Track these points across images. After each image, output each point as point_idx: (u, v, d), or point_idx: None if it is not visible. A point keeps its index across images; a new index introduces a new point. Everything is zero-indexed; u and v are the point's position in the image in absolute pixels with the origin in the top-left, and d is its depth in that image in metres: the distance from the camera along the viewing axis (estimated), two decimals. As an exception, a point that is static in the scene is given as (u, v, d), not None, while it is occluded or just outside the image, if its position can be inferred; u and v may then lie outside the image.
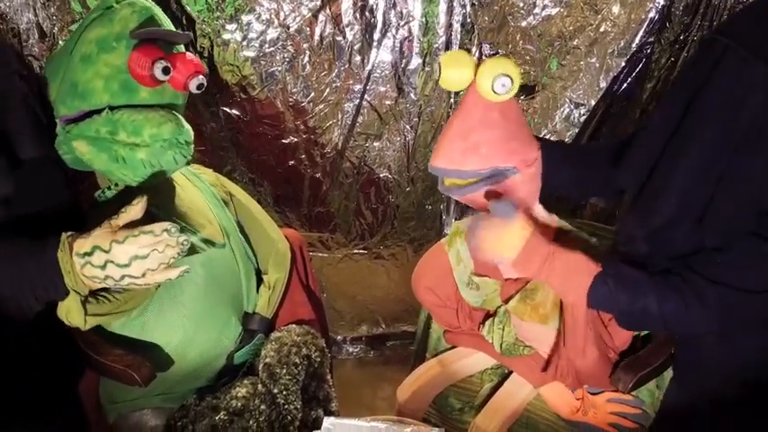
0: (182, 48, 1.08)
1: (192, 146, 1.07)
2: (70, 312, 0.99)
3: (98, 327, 1.17)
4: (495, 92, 0.98)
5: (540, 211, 1.17)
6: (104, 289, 1.06)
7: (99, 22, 1.01)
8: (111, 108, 1.01)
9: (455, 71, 1.00)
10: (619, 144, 1.20)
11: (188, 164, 1.41)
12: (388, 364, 2.42)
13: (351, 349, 2.46)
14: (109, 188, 1.14)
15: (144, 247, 0.90)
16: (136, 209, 0.93)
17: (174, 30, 1.08)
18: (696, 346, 1.13)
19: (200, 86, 1.06)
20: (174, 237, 0.93)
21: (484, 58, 1.88)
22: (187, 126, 1.05)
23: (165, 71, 0.99)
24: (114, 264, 0.90)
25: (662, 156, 0.96)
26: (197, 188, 1.33)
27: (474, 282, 1.32)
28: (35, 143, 1.03)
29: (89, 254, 0.90)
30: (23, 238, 0.95)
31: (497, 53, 1.87)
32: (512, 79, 0.98)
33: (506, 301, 1.28)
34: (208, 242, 1.24)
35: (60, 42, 1.57)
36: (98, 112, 1.01)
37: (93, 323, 1.03)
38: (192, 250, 1.21)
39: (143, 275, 0.92)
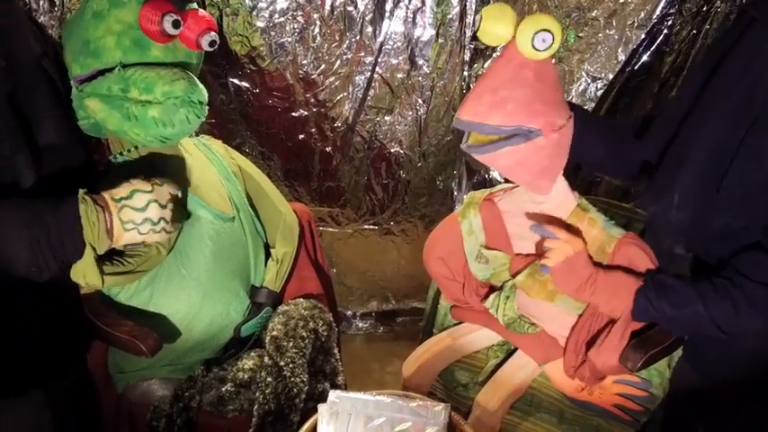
0: (194, 5, 1.06)
1: (206, 107, 1.06)
2: (87, 272, 0.99)
3: (107, 297, 1.19)
4: (534, 48, 0.96)
5: (562, 185, 1.14)
6: (118, 253, 1.08)
7: None
8: (124, 66, 0.99)
9: (496, 25, 0.97)
10: (648, 116, 1.18)
11: (197, 134, 1.41)
12: (397, 340, 2.42)
13: (360, 324, 2.46)
14: (121, 153, 1.13)
15: (173, 194, 1.01)
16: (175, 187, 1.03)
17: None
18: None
19: (212, 43, 1.04)
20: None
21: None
22: (201, 85, 1.03)
23: (175, 25, 0.97)
24: (158, 203, 0.97)
25: (682, 126, 0.94)
26: (208, 160, 1.32)
27: (483, 255, 1.30)
28: (60, 127, 1.02)
29: (127, 197, 0.95)
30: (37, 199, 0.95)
31: (513, 25, 1.82)
32: (553, 36, 0.95)
33: (514, 277, 1.26)
34: (217, 215, 1.24)
35: (69, 12, 1.56)
36: (110, 70, 1.00)
37: (110, 283, 1.05)
38: (203, 222, 1.22)
39: (169, 221, 1.01)
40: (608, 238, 1.13)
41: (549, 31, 0.95)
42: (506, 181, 1.47)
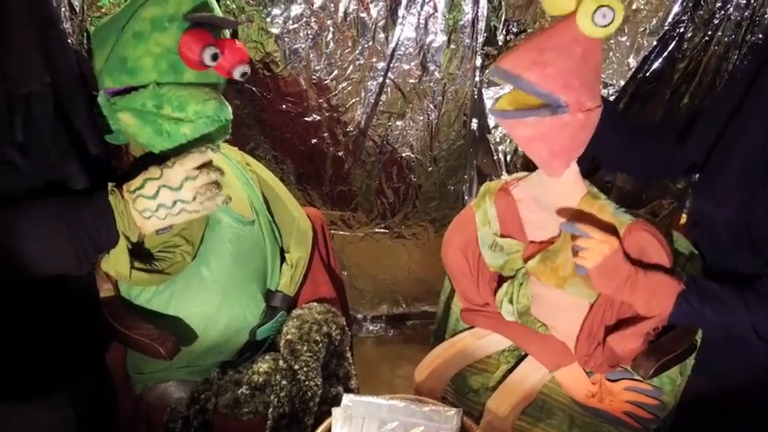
0: (227, 32, 1.10)
1: (230, 126, 1.11)
2: (119, 261, 1.04)
3: (125, 300, 1.21)
4: (594, 22, 0.96)
5: (574, 171, 1.15)
6: (146, 257, 1.12)
7: (154, 1, 1.03)
8: (158, 83, 1.03)
9: None
10: (680, 120, 1.19)
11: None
12: (407, 343, 2.43)
13: (371, 327, 2.47)
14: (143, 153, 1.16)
15: (193, 169, 1.00)
16: (205, 154, 1.01)
17: (224, 16, 1.10)
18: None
19: (243, 74, 1.07)
20: (219, 153, 1.03)
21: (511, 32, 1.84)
22: (228, 105, 1.07)
23: (214, 57, 1.01)
24: (167, 187, 0.98)
25: (730, 121, 0.95)
26: (226, 164, 1.34)
27: (498, 243, 1.31)
28: (95, 136, 1.06)
29: (140, 187, 0.99)
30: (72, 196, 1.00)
31: (525, 31, 1.84)
32: (614, 14, 0.96)
33: (527, 262, 1.27)
34: (238, 219, 1.26)
35: (89, 19, 1.59)
36: (144, 86, 1.04)
37: (136, 278, 1.09)
38: (224, 226, 1.25)
39: (194, 199, 1.00)
40: (618, 225, 1.13)
41: (611, 8, 0.95)
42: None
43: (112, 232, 0.99)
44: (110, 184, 0.99)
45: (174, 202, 1.00)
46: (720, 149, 1.01)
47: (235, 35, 1.69)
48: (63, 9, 1.58)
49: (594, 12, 0.95)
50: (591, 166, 1.56)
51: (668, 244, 1.14)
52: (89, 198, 0.98)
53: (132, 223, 1.00)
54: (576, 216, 1.16)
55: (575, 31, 0.99)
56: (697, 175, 1.17)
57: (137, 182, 1.00)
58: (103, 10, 1.60)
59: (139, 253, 1.13)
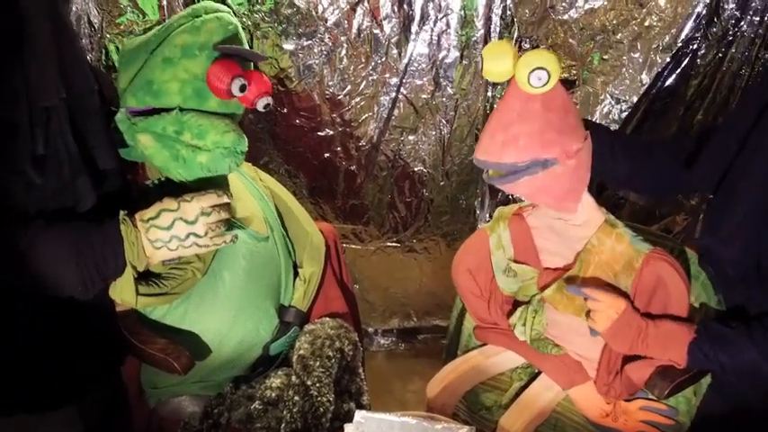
0: (251, 65, 1.13)
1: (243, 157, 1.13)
2: (124, 290, 1.05)
3: (141, 315, 1.22)
4: (531, 85, 0.98)
5: (588, 202, 1.15)
6: (155, 275, 1.12)
7: (187, 29, 1.05)
8: (181, 109, 1.05)
9: (496, 63, 0.99)
10: (688, 141, 1.20)
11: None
12: (418, 358, 2.42)
13: (382, 341, 2.47)
14: (159, 180, 1.17)
15: (208, 206, 1.03)
16: (221, 197, 1.06)
17: (252, 49, 1.12)
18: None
19: (266, 106, 1.10)
20: (231, 199, 1.07)
21: (524, 49, 1.85)
22: (245, 137, 1.09)
23: (242, 89, 1.03)
24: (183, 220, 1.01)
25: (737, 157, 0.95)
26: (241, 181, 1.36)
27: (512, 269, 1.31)
28: (110, 153, 1.08)
29: (154, 218, 1.00)
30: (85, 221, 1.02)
31: (537, 46, 1.84)
32: (548, 73, 0.97)
33: (542, 291, 1.27)
34: (252, 235, 1.27)
35: (107, 36, 1.62)
36: (166, 110, 1.06)
37: (143, 304, 1.09)
38: (239, 242, 1.24)
39: (205, 234, 1.03)
40: (636, 254, 1.14)
41: (543, 68, 0.97)
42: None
43: (120, 261, 1.00)
44: (121, 213, 1.00)
45: (188, 235, 1.02)
46: (726, 186, 1.01)
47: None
48: (82, 25, 1.61)
49: (529, 77, 0.97)
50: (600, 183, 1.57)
51: (684, 270, 1.14)
52: (100, 225, 0.99)
53: (142, 253, 1.01)
54: (584, 281, 1.17)
55: (523, 92, 1.01)
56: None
57: (151, 212, 1.01)
58: (122, 27, 1.63)
59: (148, 272, 1.11)
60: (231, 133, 1.05)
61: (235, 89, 1.02)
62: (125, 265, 1.00)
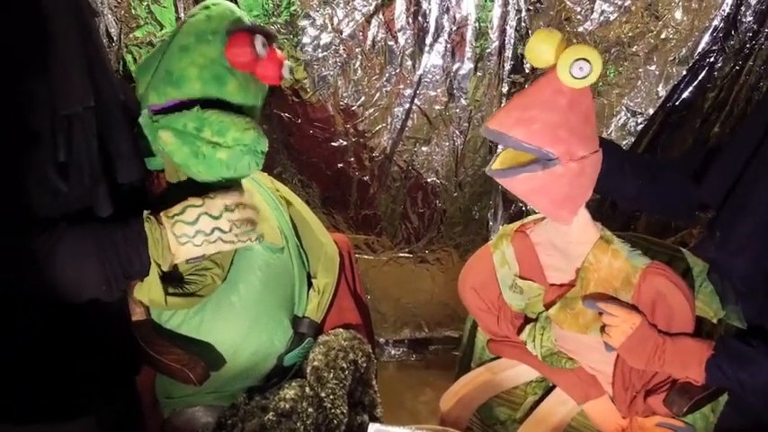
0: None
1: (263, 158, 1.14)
2: (151, 289, 1.05)
3: (156, 324, 1.23)
4: (572, 75, 0.97)
5: (583, 216, 1.15)
6: (177, 280, 1.13)
7: (197, 19, 1.08)
8: (202, 106, 1.06)
9: (542, 46, 1.00)
10: (697, 157, 1.19)
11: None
12: (429, 369, 2.41)
13: (393, 352, 2.46)
14: (177, 184, 1.18)
15: (232, 203, 1.04)
16: (237, 194, 1.06)
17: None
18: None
19: (291, 71, 1.13)
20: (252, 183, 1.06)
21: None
22: (265, 137, 1.10)
23: (264, 45, 1.05)
24: (207, 215, 1.01)
25: (746, 169, 0.94)
26: (257, 191, 1.36)
27: (518, 285, 1.30)
28: (134, 162, 1.09)
29: (180, 213, 1.01)
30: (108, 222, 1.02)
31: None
32: (591, 66, 0.97)
33: (548, 307, 1.26)
34: (268, 246, 1.28)
35: (125, 47, 1.64)
36: (187, 106, 1.06)
37: (172, 304, 1.10)
38: (254, 253, 1.26)
39: (230, 230, 1.03)
40: (633, 269, 1.13)
41: (587, 60, 0.97)
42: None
43: (144, 259, 1.00)
44: (145, 212, 1.01)
45: (213, 230, 1.02)
46: (734, 199, 1.00)
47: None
48: (101, 37, 1.63)
49: (572, 65, 0.97)
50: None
51: (687, 281, 1.14)
52: (123, 224, 1.00)
53: (166, 250, 1.01)
54: (600, 296, 1.16)
55: (557, 84, 1.00)
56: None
57: (176, 209, 1.02)
58: (140, 39, 1.65)
59: (170, 277, 1.13)
60: (251, 131, 1.05)
61: (259, 47, 1.03)
62: (149, 263, 1.01)
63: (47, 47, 0.91)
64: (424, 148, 2.00)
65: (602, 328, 1.13)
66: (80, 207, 1.00)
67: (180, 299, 1.13)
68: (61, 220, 0.97)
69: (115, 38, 1.63)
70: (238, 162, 1.06)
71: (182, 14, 1.66)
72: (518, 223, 1.32)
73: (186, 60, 1.05)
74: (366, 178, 2.04)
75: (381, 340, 2.42)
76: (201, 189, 1.10)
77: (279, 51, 1.10)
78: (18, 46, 0.88)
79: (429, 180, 2.06)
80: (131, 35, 1.63)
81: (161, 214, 1.02)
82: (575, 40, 1.81)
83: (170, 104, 1.09)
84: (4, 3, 0.86)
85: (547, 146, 1.02)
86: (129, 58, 1.65)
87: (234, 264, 1.22)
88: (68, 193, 0.97)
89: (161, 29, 1.67)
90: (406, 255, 2.22)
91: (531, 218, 1.31)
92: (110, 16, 1.60)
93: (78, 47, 0.96)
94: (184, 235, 1.01)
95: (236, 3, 1.68)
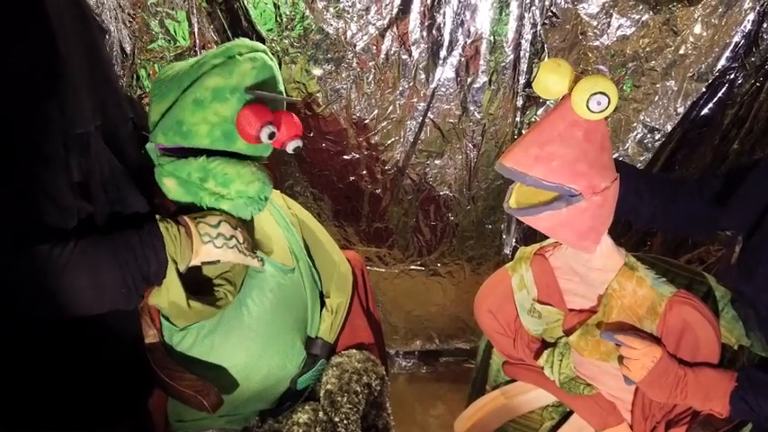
0: (284, 105, 1.12)
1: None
2: (171, 290, 1.03)
3: (168, 347, 1.21)
4: (589, 109, 0.95)
5: (607, 244, 1.13)
6: (192, 292, 1.09)
7: (219, 70, 1.04)
8: (208, 156, 1.05)
9: (553, 78, 0.98)
10: (718, 177, 1.17)
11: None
12: (440, 381, 2.40)
13: (403, 363, 2.45)
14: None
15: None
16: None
17: (285, 93, 1.13)
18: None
19: (296, 149, 1.09)
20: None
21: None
22: (270, 184, 1.10)
23: (270, 136, 1.02)
24: (227, 223, 1.06)
25: (766, 211, 0.92)
26: (268, 211, 1.35)
27: (536, 309, 1.28)
28: (142, 180, 1.08)
29: (202, 217, 1.04)
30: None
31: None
32: (609, 99, 0.95)
33: (567, 333, 1.24)
34: (279, 268, 1.26)
35: (138, 62, 1.63)
36: (193, 153, 1.06)
37: (194, 307, 1.08)
38: (265, 275, 1.25)
39: (243, 241, 1.08)
40: (658, 297, 1.11)
41: (605, 94, 0.94)
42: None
43: (161, 257, 0.99)
44: (158, 216, 1.01)
45: (231, 236, 1.05)
46: (763, 229, 0.97)
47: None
48: (114, 52, 1.63)
49: (588, 99, 0.94)
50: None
51: (711, 308, 1.11)
52: (139, 228, 0.99)
53: (186, 247, 1.01)
54: (619, 327, 1.14)
55: (572, 115, 0.98)
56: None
57: (197, 214, 1.05)
58: (154, 53, 1.64)
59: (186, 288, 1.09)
60: (256, 183, 1.05)
61: (264, 136, 1.01)
62: (166, 261, 1.00)
63: (57, 68, 0.90)
64: (437, 162, 1.99)
65: (622, 360, 1.11)
66: (94, 225, 0.99)
67: (200, 304, 1.10)
68: (82, 235, 0.96)
69: (129, 53, 1.62)
70: (240, 212, 1.08)
71: (195, 29, 1.65)
72: (537, 246, 1.30)
73: (199, 116, 1.04)
74: (378, 191, 2.02)
75: (392, 351, 2.41)
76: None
77: (295, 122, 1.07)
78: (28, 68, 0.88)
79: (441, 193, 2.04)
80: (146, 49, 1.62)
81: (182, 216, 1.03)
82: (590, 55, 1.79)
83: (177, 147, 1.08)
84: (14, 26, 0.85)
85: (568, 182, 1.00)
86: (142, 72, 1.64)
87: (245, 285, 1.21)
88: (82, 212, 0.96)
89: (174, 43, 1.66)
90: (418, 267, 2.21)
91: (549, 240, 1.29)
92: (124, 31, 1.60)
93: (87, 66, 0.95)
94: (207, 234, 1.03)
95: (249, 17, 1.67)
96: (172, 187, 1.07)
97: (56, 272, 0.93)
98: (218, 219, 1.05)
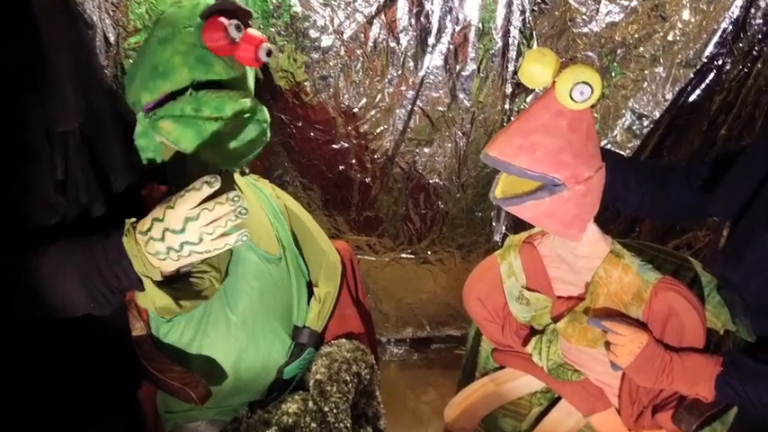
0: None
1: (269, 128, 1.13)
2: (155, 299, 0.98)
3: (155, 339, 1.21)
4: (572, 99, 0.95)
5: (593, 231, 1.13)
6: (175, 282, 1.05)
7: (171, 11, 1.10)
8: (194, 88, 1.06)
9: (537, 67, 0.97)
10: (706, 163, 1.17)
11: (246, 173, 1.44)
12: (432, 368, 2.41)
13: (395, 350, 2.46)
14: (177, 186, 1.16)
15: (193, 208, 0.86)
16: (200, 190, 0.86)
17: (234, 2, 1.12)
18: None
19: (269, 53, 1.10)
20: (216, 187, 0.86)
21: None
22: (263, 106, 1.10)
23: (238, 28, 1.04)
24: (170, 231, 0.87)
25: (762, 185, 0.92)
26: (257, 199, 1.35)
27: (524, 296, 1.29)
28: (128, 175, 1.08)
29: (149, 229, 0.89)
30: (92, 235, 0.97)
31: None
32: (592, 89, 0.95)
33: (555, 320, 1.25)
34: (264, 257, 1.26)
35: (122, 52, 1.61)
36: (181, 93, 1.06)
37: (186, 306, 1.03)
38: (249, 263, 1.24)
39: (200, 241, 0.88)
40: (644, 284, 1.11)
41: (588, 84, 0.94)
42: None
43: (131, 275, 0.93)
44: (127, 222, 0.92)
45: (181, 245, 0.88)
46: (751, 216, 0.97)
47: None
48: (98, 42, 1.60)
49: (572, 89, 0.94)
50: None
51: (697, 294, 1.12)
52: (105, 241, 0.93)
53: (149, 264, 0.92)
54: (606, 312, 1.14)
55: (557, 105, 0.98)
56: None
57: (147, 222, 0.90)
58: (138, 43, 1.62)
59: (170, 279, 1.05)
60: (248, 100, 1.06)
61: (232, 31, 1.03)
62: (137, 277, 0.94)
63: (41, 65, 0.89)
64: (426, 150, 1.98)
65: (608, 346, 1.12)
66: (77, 222, 0.98)
67: (189, 301, 1.07)
68: (57, 235, 0.95)
69: (113, 43, 1.60)
70: (245, 132, 1.07)
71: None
72: (525, 234, 1.31)
73: (169, 50, 1.06)
74: (368, 180, 2.02)
75: (383, 339, 2.42)
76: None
77: (257, 32, 1.10)
78: (12, 65, 0.87)
79: (431, 181, 2.04)
80: (130, 40, 1.60)
81: (137, 227, 0.92)
82: (579, 42, 1.78)
83: (163, 98, 1.08)
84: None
85: (551, 172, 1.00)
86: (127, 63, 1.62)
87: (230, 275, 1.21)
88: (66, 209, 0.95)
89: (159, 32, 1.63)
90: (409, 256, 2.21)
91: (538, 228, 1.30)
92: (107, 20, 1.57)
93: (71, 62, 0.94)
94: (159, 252, 0.90)
95: (234, 4, 1.65)
96: (169, 127, 1.06)
97: (28, 278, 0.91)
98: (162, 228, 0.88)
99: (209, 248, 0.90)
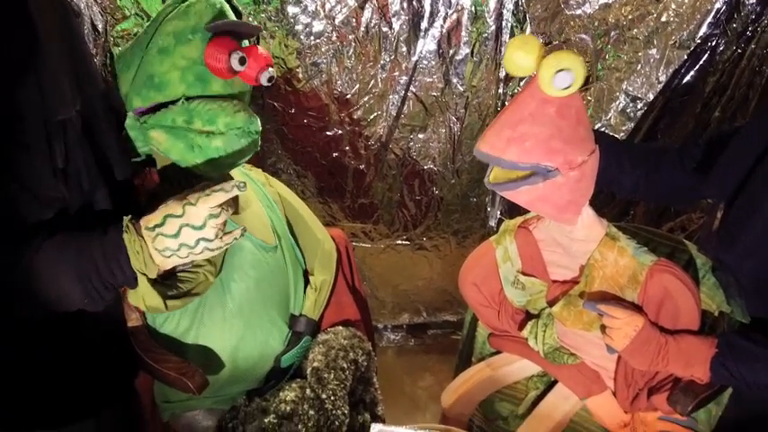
0: (250, 40, 1.11)
1: (260, 139, 1.10)
2: (145, 296, 0.99)
3: (152, 329, 1.21)
4: (554, 86, 0.94)
5: (588, 215, 1.13)
6: (168, 278, 1.07)
7: (175, 15, 1.03)
8: (187, 98, 1.03)
9: (520, 55, 0.95)
10: (700, 145, 1.17)
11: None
12: (428, 353, 2.43)
13: (392, 337, 2.47)
14: (168, 182, 1.15)
15: (216, 206, 0.91)
16: (230, 192, 0.92)
17: (244, 22, 1.08)
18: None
19: (270, 79, 1.07)
20: (244, 191, 0.93)
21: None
22: (256, 117, 1.07)
23: (242, 62, 1.00)
24: (190, 226, 0.90)
25: (756, 166, 0.92)
26: (251, 188, 1.34)
27: (520, 281, 1.29)
28: (124, 162, 1.06)
29: (160, 225, 0.90)
30: (87, 231, 0.96)
31: (550, 43, 1.80)
32: (574, 76, 0.93)
33: (551, 304, 1.25)
34: (260, 245, 1.25)
35: (111, 40, 1.58)
36: (173, 102, 1.04)
37: (173, 306, 1.04)
38: (246, 253, 1.23)
39: (215, 236, 0.93)
40: (639, 266, 1.12)
41: (570, 70, 0.93)
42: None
43: (128, 272, 0.93)
44: (125, 219, 0.93)
45: (197, 242, 0.92)
46: (745, 198, 0.97)
47: (256, 41, 1.68)
48: (86, 29, 1.58)
49: (554, 77, 0.93)
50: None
51: (692, 276, 1.12)
52: (103, 236, 0.93)
53: (149, 261, 0.93)
54: (602, 296, 1.14)
55: (541, 92, 0.97)
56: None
57: (157, 218, 0.91)
58: (126, 31, 1.59)
59: (162, 276, 1.07)
60: (241, 113, 1.02)
61: (234, 63, 0.99)
62: (133, 274, 0.95)
63: (36, 53, 0.88)
64: (420, 136, 1.97)
65: (604, 329, 1.12)
66: (78, 212, 0.97)
67: (178, 300, 1.08)
68: (59, 224, 0.93)
69: (101, 31, 1.58)
70: (235, 146, 1.04)
71: (168, 4, 1.60)
72: (521, 219, 1.30)
73: (167, 64, 1.01)
74: (362, 167, 2.01)
75: (380, 325, 2.43)
76: (192, 183, 1.06)
77: (264, 51, 1.06)
78: (7, 54, 0.85)
79: (426, 167, 2.03)
80: (118, 27, 1.58)
81: (141, 223, 0.94)
82: (572, 24, 1.77)
83: (155, 105, 1.06)
84: None
85: (543, 160, 1.00)
86: (116, 50, 1.60)
87: (226, 264, 1.20)
88: (68, 198, 0.94)
89: (147, 20, 1.61)
90: (404, 242, 2.21)
91: (533, 213, 1.29)
92: (95, 8, 1.55)
93: (65, 51, 0.93)
94: (167, 249, 0.92)
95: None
96: (160, 138, 1.04)
97: (24, 272, 0.90)
98: (179, 223, 0.90)
99: (219, 245, 0.95)
